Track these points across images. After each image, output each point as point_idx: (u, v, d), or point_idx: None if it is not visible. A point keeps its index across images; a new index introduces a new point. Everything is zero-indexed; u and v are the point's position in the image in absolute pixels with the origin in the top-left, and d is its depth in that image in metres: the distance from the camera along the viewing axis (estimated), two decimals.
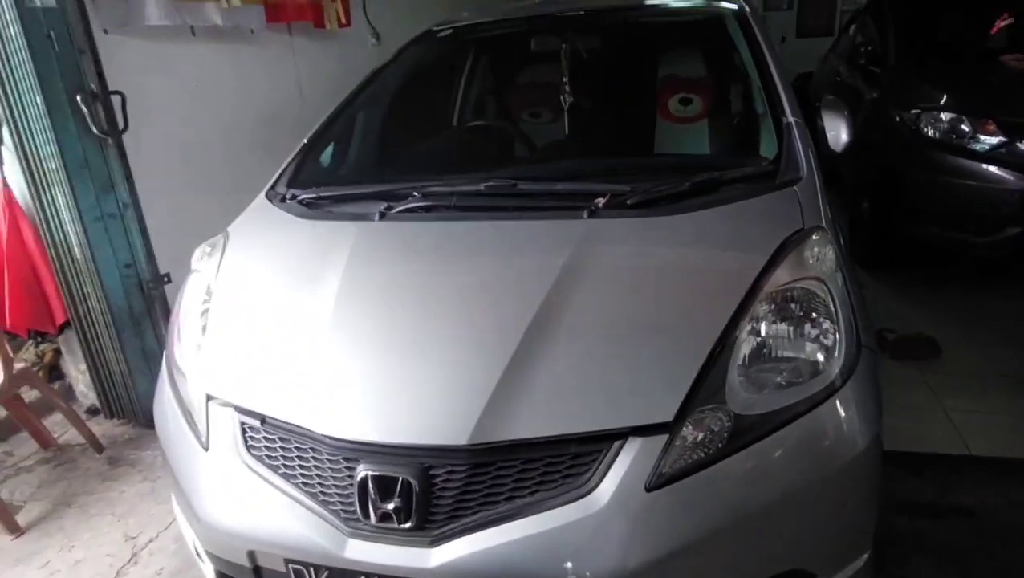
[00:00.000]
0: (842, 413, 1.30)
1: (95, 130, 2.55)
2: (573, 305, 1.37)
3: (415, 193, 1.79)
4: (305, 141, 2.23)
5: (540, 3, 3.03)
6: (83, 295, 2.71)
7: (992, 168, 3.07)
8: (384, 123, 2.47)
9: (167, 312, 2.88)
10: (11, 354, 2.50)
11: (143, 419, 2.88)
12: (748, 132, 2.12)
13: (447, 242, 1.64)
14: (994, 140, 3.08)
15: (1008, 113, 3.11)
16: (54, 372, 3.18)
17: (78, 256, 2.64)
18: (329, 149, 2.28)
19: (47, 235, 2.65)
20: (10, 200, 2.68)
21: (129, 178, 2.69)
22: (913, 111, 3.37)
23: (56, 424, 2.96)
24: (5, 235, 2.65)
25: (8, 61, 2.41)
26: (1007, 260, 3.40)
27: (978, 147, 3.13)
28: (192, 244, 3.22)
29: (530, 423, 1.22)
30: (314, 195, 1.92)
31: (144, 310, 2.81)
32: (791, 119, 1.83)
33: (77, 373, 3.06)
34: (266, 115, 3.84)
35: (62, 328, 2.88)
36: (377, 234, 1.69)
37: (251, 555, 1.34)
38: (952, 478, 2.11)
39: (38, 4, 2.38)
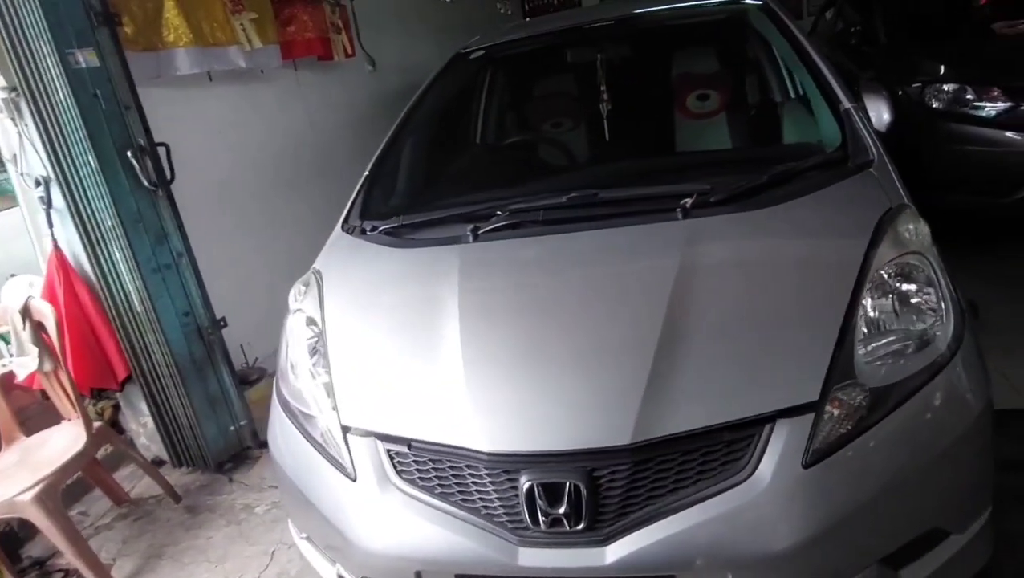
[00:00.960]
0: (959, 377, 1.39)
1: (146, 183, 2.59)
2: (699, 302, 1.44)
3: (499, 212, 1.85)
4: (367, 173, 2.28)
5: (555, 17, 3.11)
6: (145, 347, 2.73)
7: (1002, 132, 3.20)
8: (434, 148, 2.53)
9: (226, 356, 2.91)
10: (90, 416, 2.51)
11: (213, 465, 2.89)
12: (794, 122, 2.21)
13: (551, 254, 1.70)
14: (1001, 105, 3.23)
15: (1010, 78, 3.25)
16: (114, 428, 3.17)
17: (138, 309, 2.66)
18: (389, 179, 2.33)
19: (106, 292, 2.66)
20: (63, 262, 2.69)
21: (181, 227, 2.73)
22: (915, 85, 3.51)
23: (123, 479, 2.96)
24: (62, 298, 2.66)
25: (59, 123, 2.44)
26: None
27: (985, 114, 3.26)
28: (239, 285, 3.28)
29: (684, 417, 1.28)
30: (396, 224, 1.97)
31: (205, 356, 2.83)
32: (847, 104, 1.92)
33: (138, 427, 3.07)
34: (282, 150, 3.90)
35: (123, 384, 2.89)
36: (478, 254, 1.75)
37: (418, 576, 1.38)
38: (1021, 431, 2.20)
39: (83, 64, 2.41)
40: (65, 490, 2.67)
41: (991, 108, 3.24)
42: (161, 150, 2.65)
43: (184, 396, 2.77)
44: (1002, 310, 2.97)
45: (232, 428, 2.92)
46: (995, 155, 3.23)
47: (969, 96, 3.30)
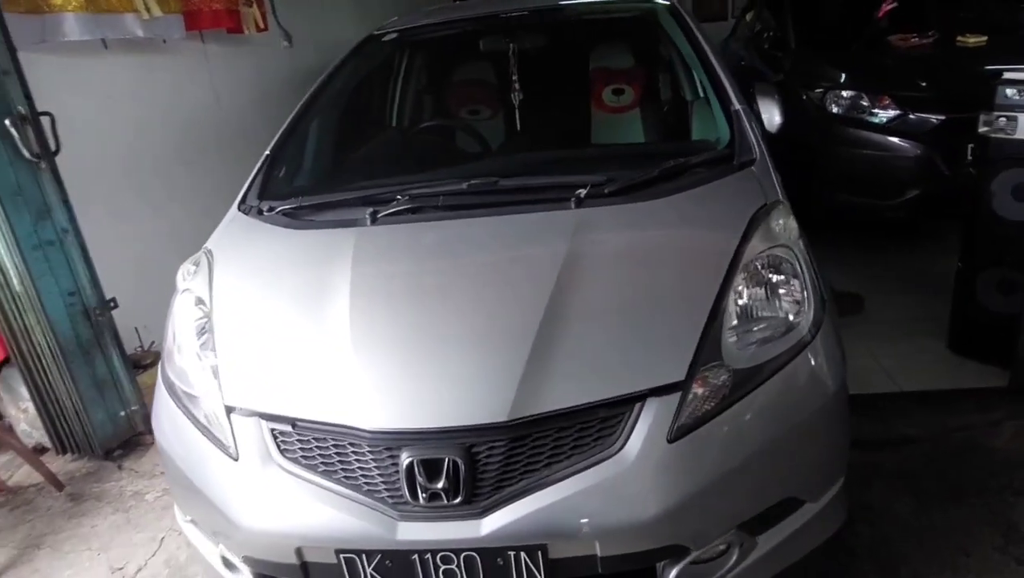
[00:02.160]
0: (817, 360, 1.49)
1: (27, 154, 2.43)
2: (581, 287, 1.48)
3: (399, 196, 1.85)
4: (268, 153, 2.22)
5: (475, 4, 3.12)
6: (25, 329, 2.57)
7: (890, 138, 3.44)
8: (340, 129, 2.49)
9: (117, 338, 2.78)
10: None
11: (100, 451, 2.77)
12: (694, 121, 2.31)
13: (446, 239, 1.72)
14: (890, 113, 3.46)
15: (900, 88, 3.49)
16: None
17: (17, 288, 2.51)
18: (292, 159, 2.28)
19: None
20: None
21: (66, 202, 2.58)
22: (817, 90, 3.71)
23: (1, 466, 2.79)
24: None
25: None
26: (912, 220, 3.81)
27: (877, 120, 3.50)
28: (135, 265, 3.13)
29: (561, 395, 1.32)
30: (294, 205, 1.94)
31: (92, 338, 2.69)
32: (738, 106, 2.02)
33: (18, 412, 2.89)
34: (187, 125, 3.75)
35: (0, 366, 2.72)
36: (374, 237, 1.74)
37: (299, 552, 1.37)
38: (891, 413, 2.39)
39: None
40: None
41: (883, 115, 3.47)
42: (45, 120, 2.49)
43: (69, 380, 2.63)
44: (884, 303, 3.21)
45: (122, 413, 2.79)
46: (884, 159, 3.47)
47: (864, 103, 3.52)
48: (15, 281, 2.49)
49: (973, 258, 2.59)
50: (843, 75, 3.62)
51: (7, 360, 2.68)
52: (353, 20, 5.21)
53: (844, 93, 3.54)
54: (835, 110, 3.58)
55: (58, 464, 2.79)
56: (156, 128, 3.51)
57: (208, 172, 3.74)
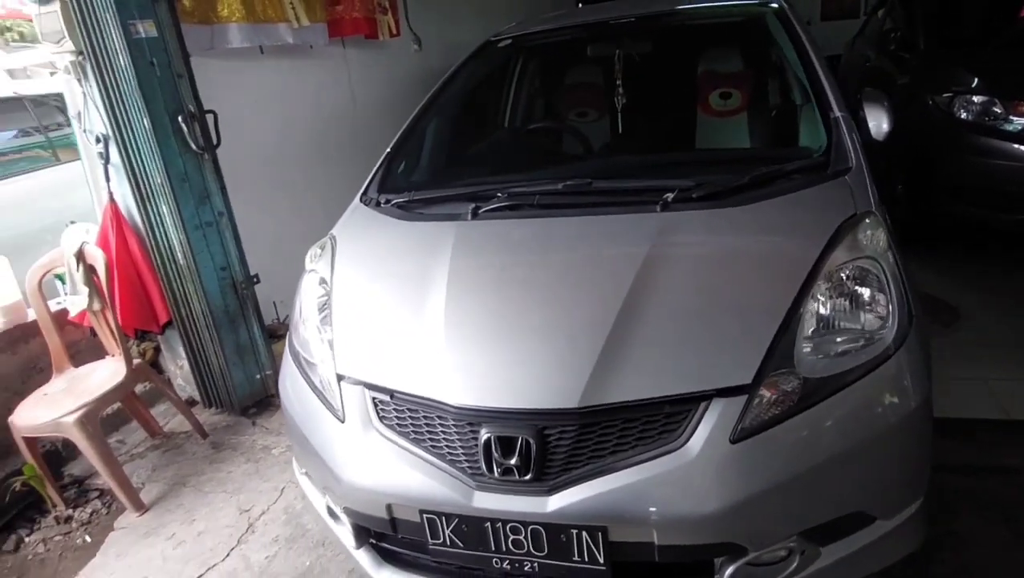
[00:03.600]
0: (896, 375, 1.48)
1: (193, 146, 2.83)
2: (658, 287, 1.58)
3: (499, 194, 2.01)
4: (388, 150, 2.46)
5: (587, 10, 3.22)
6: (185, 297, 2.99)
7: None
8: (455, 129, 2.69)
9: (257, 310, 3.16)
10: (131, 354, 2.78)
11: (238, 408, 3.16)
12: (798, 126, 2.29)
13: (537, 236, 1.86)
14: None
15: None
16: (153, 368, 3.48)
17: (181, 261, 2.92)
18: (410, 156, 2.50)
19: (152, 243, 2.93)
20: (117, 213, 2.97)
21: (223, 189, 2.97)
22: (946, 95, 3.50)
23: (159, 414, 3.26)
24: (114, 245, 2.94)
25: (118, 87, 2.69)
26: None
27: (1011, 128, 3.25)
28: (276, 247, 3.52)
29: (629, 388, 1.43)
30: (406, 199, 2.15)
31: (238, 308, 3.08)
32: (838, 113, 2.01)
33: (176, 369, 3.36)
34: (326, 124, 4.12)
35: (164, 328, 3.18)
36: (473, 231, 1.92)
37: (389, 508, 1.57)
38: (994, 440, 2.27)
39: (143, 34, 2.65)
40: (105, 419, 2.99)
41: (1017, 122, 3.23)
42: (209, 117, 2.89)
43: (217, 343, 3.04)
44: (997, 322, 3.01)
45: (258, 376, 3.18)
46: (1016, 169, 3.22)
47: (997, 109, 3.29)
48: (180, 255, 2.91)
49: None
50: (975, 79, 3.39)
51: (170, 323, 3.12)
52: (478, 25, 5.45)
53: (975, 98, 3.32)
54: (964, 116, 3.37)
55: (204, 416, 3.22)
56: (300, 126, 3.91)
57: (343, 167, 4.11)
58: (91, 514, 2.66)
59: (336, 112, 4.22)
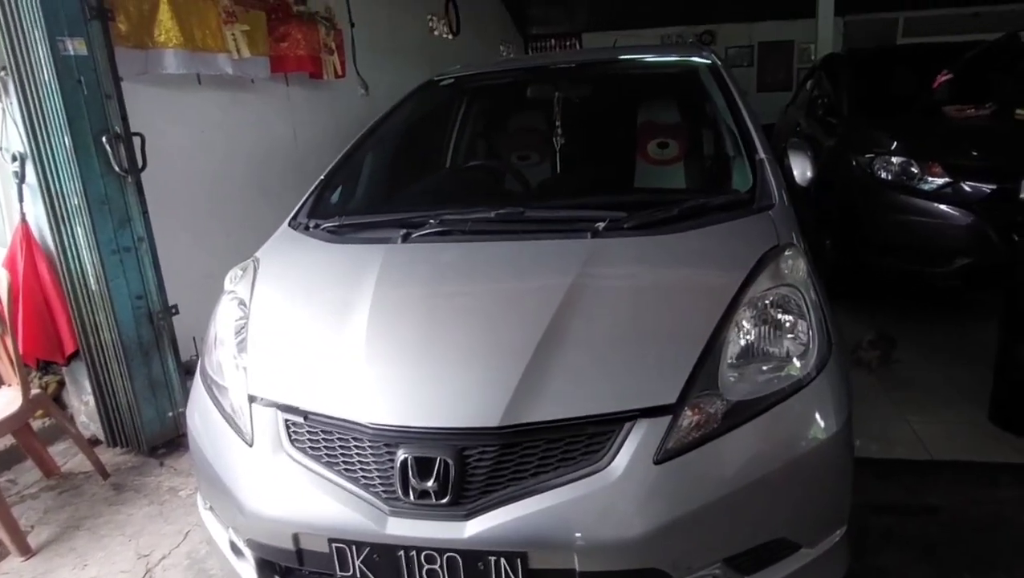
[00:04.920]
0: (816, 399, 1.49)
1: (117, 168, 2.72)
2: (584, 310, 1.56)
3: (431, 220, 1.98)
4: (322, 177, 2.42)
5: (530, 57, 3.32)
6: (95, 325, 2.82)
7: (940, 206, 3.40)
8: (393, 162, 2.68)
9: (174, 343, 3.00)
10: (30, 385, 2.58)
11: (146, 447, 2.95)
12: (725, 168, 2.38)
13: (466, 259, 1.83)
14: (940, 180, 3.43)
15: (952, 156, 3.46)
16: (56, 403, 3.23)
17: (93, 287, 2.76)
18: (343, 185, 2.47)
19: (64, 267, 2.77)
20: (28, 235, 2.81)
21: (145, 213, 2.85)
22: (867, 155, 3.72)
23: (58, 454, 3.01)
24: (22, 269, 2.77)
25: (40, 104, 2.58)
26: (959, 289, 3.71)
27: (927, 187, 3.46)
28: (199, 281, 3.38)
29: (552, 408, 1.38)
30: (337, 223, 2.10)
31: (153, 340, 2.92)
32: (763, 155, 2.09)
33: (80, 404, 3.13)
34: (265, 158, 4.06)
35: (70, 359, 2.97)
36: (402, 254, 1.88)
37: (296, 538, 1.46)
38: (917, 480, 2.31)
39: (71, 52, 2.57)
40: None
41: (933, 182, 3.44)
42: (136, 140, 2.79)
43: (127, 376, 2.85)
44: (925, 370, 3.12)
45: (170, 414, 2.99)
46: (934, 226, 3.41)
47: (914, 169, 3.50)
48: (92, 280, 2.75)
49: (1016, 329, 2.50)
50: (893, 141, 3.61)
51: (76, 354, 2.92)
52: (426, 73, 5.56)
53: (893, 159, 3.54)
54: (884, 176, 3.57)
55: (108, 456, 2.99)
56: (239, 159, 3.83)
57: (281, 201, 4.01)
58: None
59: (277, 148, 4.17)
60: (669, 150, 2.91)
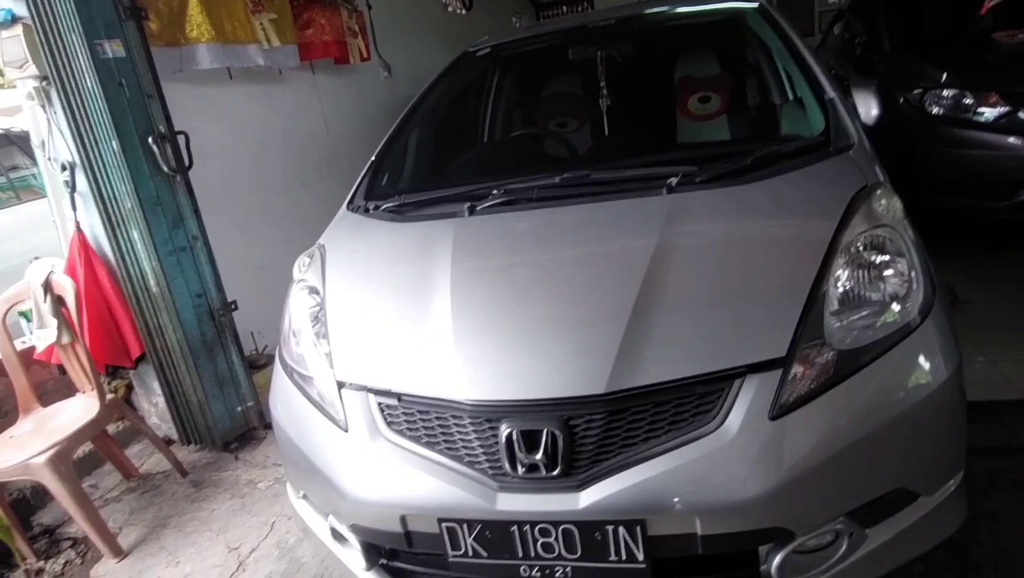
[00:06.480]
0: (928, 342, 1.43)
1: (165, 168, 2.71)
2: (675, 268, 1.51)
3: (495, 191, 1.94)
4: (373, 159, 2.38)
5: (567, 17, 3.23)
6: (159, 327, 2.84)
7: (999, 136, 3.26)
8: (439, 138, 2.63)
9: (237, 338, 3.01)
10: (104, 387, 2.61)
11: (219, 443, 2.99)
12: (794, 111, 2.28)
13: (541, 226, 1.79)
14: (998, 110, 3.28)
15: (1009, 84, 3.31)
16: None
17: (154, 289, 2.78)
18: (395, 165, 2.43)
19: (123, 272, 2.78)
20: (84, 244, 2.82)
21: (197, 212, 2.85)
22: (916, 91, 3.58)
23: (134, 455, 3.06)
24: (82, 278, 2.78)
25: (85, 110, 2.57)
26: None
27: (983, 118, 3.32)
28: (252, 274, 3.39)
29: (657, 370, 1.34)
30: (398, 202, 2.07)
31: (216, 337, 2.93)
32: (832, 94, 2.00)
33: (149, 406, 3.18)
34: (299, 148, 4.03)
35: (137, 362, 3.00)
36: (472, 227, 1.84)
37: (403, 520, 1.45)
38: (1017, 420, 2.23)
39: (110, 55, 2.55)
40: (77, 462, 2.79)
41: (990, 113, 3.29)
42: (180, 138, 2.78)
43: (195, 375, 2.87)
44: (994, 308, 3.02)
45: (239, 409, 3.01)
46: (993, 158, 3.28)
47: (968, 101, 3.36)
48: (152, 282, 2.76)
49: None
50: (943, 73, 3.47)
51: (143, 357, 2.95)
52: (447, 54, 5.46)
53: (945, 92, 3.40)
54: (936, 111, 3.43)
55: (182, 454, 3.03)
56: (274, 152, 3.81)
57: (318, 190, 4.02)
58: (64, 565, 2.45)
59: (310, 137, 4.13)
60: (711, 104, 2.81)
